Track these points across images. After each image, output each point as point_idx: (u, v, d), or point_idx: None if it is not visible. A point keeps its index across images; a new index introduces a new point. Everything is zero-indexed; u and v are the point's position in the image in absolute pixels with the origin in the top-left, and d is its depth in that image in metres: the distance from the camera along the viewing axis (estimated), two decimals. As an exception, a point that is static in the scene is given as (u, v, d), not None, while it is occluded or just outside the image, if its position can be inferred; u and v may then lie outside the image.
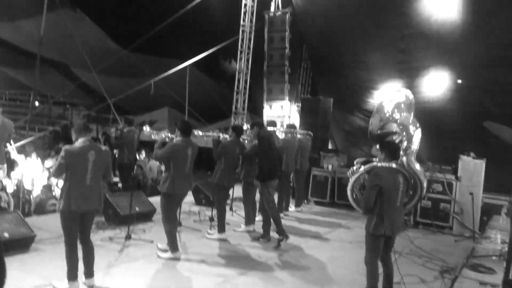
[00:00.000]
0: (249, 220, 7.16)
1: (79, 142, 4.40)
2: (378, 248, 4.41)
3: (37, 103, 20.88)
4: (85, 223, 4.51)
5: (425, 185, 5.14)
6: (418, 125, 5.59)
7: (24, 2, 13.66)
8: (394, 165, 4.36)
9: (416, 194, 5.06)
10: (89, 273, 4.50)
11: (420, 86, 9.56)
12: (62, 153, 4.31)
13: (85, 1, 13.57)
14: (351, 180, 4.66)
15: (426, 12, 8.88)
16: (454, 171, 8.07)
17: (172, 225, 5.60)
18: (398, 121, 5.67)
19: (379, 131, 5.65)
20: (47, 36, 12.37)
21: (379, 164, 4.40)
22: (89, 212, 4.49)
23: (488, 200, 8.01)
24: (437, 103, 9.61)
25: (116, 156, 8.64)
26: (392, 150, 4.53)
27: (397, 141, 5.25)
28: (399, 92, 6.22)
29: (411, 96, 5.84)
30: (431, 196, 8.13)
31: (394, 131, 5.67)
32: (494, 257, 5.62)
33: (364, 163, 4.66)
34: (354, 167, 4.65)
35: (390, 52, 9.97)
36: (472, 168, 7.83)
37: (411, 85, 8.87)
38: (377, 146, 4.63)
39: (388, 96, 6.03)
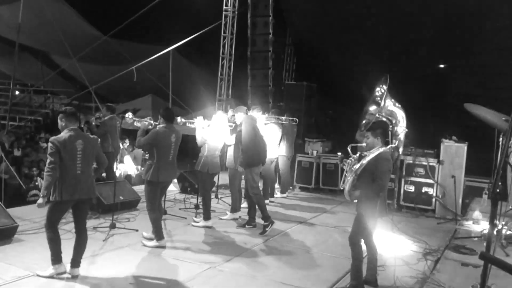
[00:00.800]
0: (235, 207, 7.16)
1: (65, 132, 4.32)
2: (367, 229, 4.50)
3: (17, 92, 20.50)
4: (79, 213, 4.51)
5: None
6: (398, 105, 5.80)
7: (0, -13, 13.28)
8: (391, 149, 4.48)
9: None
10: (75, 263, 4.47)
11: (403, 70, 9.61)
12: (50, 145, 4.21)
13: (63, -14, 13.24)
14: (356, 170, 4.48)
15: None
16: (437, 155, 8.17)
17: (156, 213, 5.55)
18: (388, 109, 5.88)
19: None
20: (25, 23, 12.07)
21: (382, 149, 4.45)
22: (81, 201, 4.44)
23: (470, 183, 8.17)
24: (419, 87, 9.68)
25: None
26: (386, 135, 4.65)
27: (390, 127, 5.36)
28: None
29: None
30: (414, 180, 8.24)
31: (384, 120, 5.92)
32: (475, 238, 5.74)
33: (352, 149, 4.68)
34: (354, 156, 4.62)
35: (375, 36, 9.98)
36: (454, 151, 7.94)
37: (393, 69, 8.91)
38: (369, 133, 4.62)
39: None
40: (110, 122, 8.14)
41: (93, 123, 8.29)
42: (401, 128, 6.86)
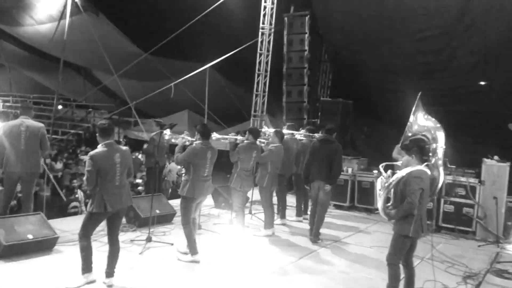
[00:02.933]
0: (269, 223, 7.14)
1: (102, 145, 4.51)
2: (405, 250, 4.45)
3: (60, 107, 21.32)
4: (113, 223, 4.69)
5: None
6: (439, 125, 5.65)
7: (48, 7, 13.95)
8: (427, 169, 4.37)
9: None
10: (110, 273, 4.61)
11: (442, 88, 9.43)
12: (89, 161, 4.39)
13: (107, 5, 13.78)
14: (388, 187, 4.46)
15: (448, 13, 8.77)
16: (478, 175, 7.91)
17: (190, 228, 5.60)
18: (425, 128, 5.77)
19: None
20: (69, 40, 12.60)
21: (414, 168, 4.37)
22: (120, 211, 4.70)
23: (512, 205, 7.85)
24: (460, 105, 9.46)
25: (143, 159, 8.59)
26: (423, 153, 4.55)
27: (427, 145, 5.23)
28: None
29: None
30: (454, 200, 7.98)
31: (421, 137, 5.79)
32: (519, 263, 5.51)
33: (386, 167, 4.61)
34: (384, 174, 4.56)
35: (412, 53, 9.85)
36: (496, 171, 7.66)
37: (432, 87, 8.76)
38: (404, 151, 4.57)
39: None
40: (158, 138, 8.33)
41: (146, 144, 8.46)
42: (439, 146, 6.67)
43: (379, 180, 4.58)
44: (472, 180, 7.90)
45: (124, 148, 4.81)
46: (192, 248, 5.58)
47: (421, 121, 6.62)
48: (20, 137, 6.30)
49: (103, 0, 13.73)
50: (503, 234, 7.35)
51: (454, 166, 8.04)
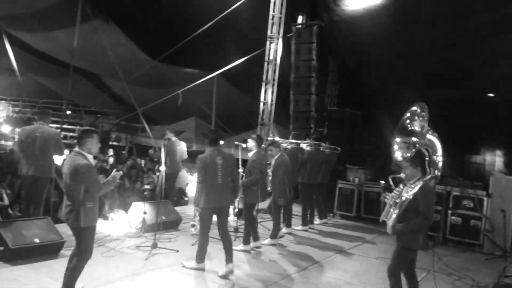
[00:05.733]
0: (275, 234, 7.12)
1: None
2: (407, 262, 4.42)
3: (69, 112, 21.46)
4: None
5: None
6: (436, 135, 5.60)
7: (58, 13, 14.10)
8: (429, 180, 4.35)
9: None
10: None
11: (452, 100, 9.40)
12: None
13: (117, 12, 13.91)
14: (401, 204, 4.36)
15: (456, 23, 8.78)
16: (486, 187, 7.85)
17: (206, 239, 5.51)
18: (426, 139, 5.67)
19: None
20: (79, 47, 12.72)
21: (423, 181, 4.35)
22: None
23: (520, 218, 7.77)
24: (468, 117, 9.42)
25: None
26: (424, 165, 4.49)
27: (426, 157, 5.13)
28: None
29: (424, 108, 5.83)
30: (461, 212, 7.92)
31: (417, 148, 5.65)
32: (527, 278, 5.44)
33: (393, 180, 4.59)
34: (396, 190, 4.50)
35: (420, 64, 9.84)
36: (504, 184, 7.61)
37: (442, 98, 8.74)
38: (408, 164, 4.52)
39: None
40: (171, 145, 8.39)
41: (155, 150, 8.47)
42: (438, 157, 6.59)
43: (391, 195, 4.52)
44: (480, 192, 7.85)
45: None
46: (200, 256, 5.53)
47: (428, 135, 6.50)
48: (35, 142, 6.47)
49: (114, 7, 13.86)
50: (510, 248, 7.27)
51: (461, 178, 7.98)
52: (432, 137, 6.58)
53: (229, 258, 5.45)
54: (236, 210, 7.59)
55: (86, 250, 4.31)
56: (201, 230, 5.53)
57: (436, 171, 6.48)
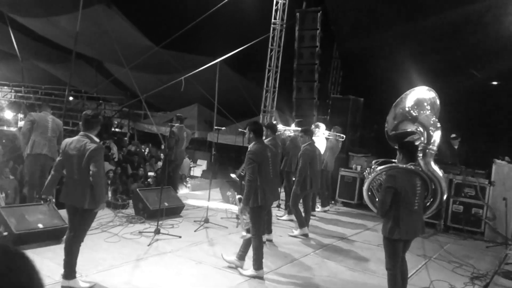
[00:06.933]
0: (301, 223, 7.02)
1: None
2: (397, 253, 4.20)
3: (71, 98, 21.47)
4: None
5: (445, 191, 4.66)
6: (439, 125, 5.22)
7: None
8: (412, 167, 4.22)
9: (436, 200, 4.60)
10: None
11: (455, 87, 9.34)
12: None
13: (120, -2, 13.82)
14: (367, 181, 4.61)
15: (463, 10, 8.69)
16: (488, 175, 7.86)
17: (260, 240, 5.10)
18: (418, 119, 5.29)
19: (393, 132, 5.40)
20: (82, 32, 12.65)
21: (397, 166, 4.31)
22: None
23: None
24: (471, 106, 9.38)
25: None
26: (410, 151, 4.35)
27: (416, 142, 4.95)
28: (424, 89, 5.69)
29: (434, 95, 5.45)
30: (463, 200, 7.94)
31: (412, 130, 5.30)
32: (528, 266, 5.47)
33: (382, 163, 4.57)
34: (372, 167, 4.56)
35: (425, 51, 9.77)
36: (507, 172, 7.61)
37: (445, 86, 8.67)
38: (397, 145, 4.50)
39: (410, 93, 5.75)
40: (179, 132, 8.43)
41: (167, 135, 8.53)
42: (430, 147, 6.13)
43: (365, 171, 4.67)
44: (482, 180, 7.86)
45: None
46: (258, 261, 5.02)
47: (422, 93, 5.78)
48: (48, 125, 7.01)
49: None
50: (511, 236, 7.30)
51: (463, 166, 7.96)
52: (425, 123, 6.14)
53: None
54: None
55: (85, 231, 4.44)
56: (254, 232, 5.02)
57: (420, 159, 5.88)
